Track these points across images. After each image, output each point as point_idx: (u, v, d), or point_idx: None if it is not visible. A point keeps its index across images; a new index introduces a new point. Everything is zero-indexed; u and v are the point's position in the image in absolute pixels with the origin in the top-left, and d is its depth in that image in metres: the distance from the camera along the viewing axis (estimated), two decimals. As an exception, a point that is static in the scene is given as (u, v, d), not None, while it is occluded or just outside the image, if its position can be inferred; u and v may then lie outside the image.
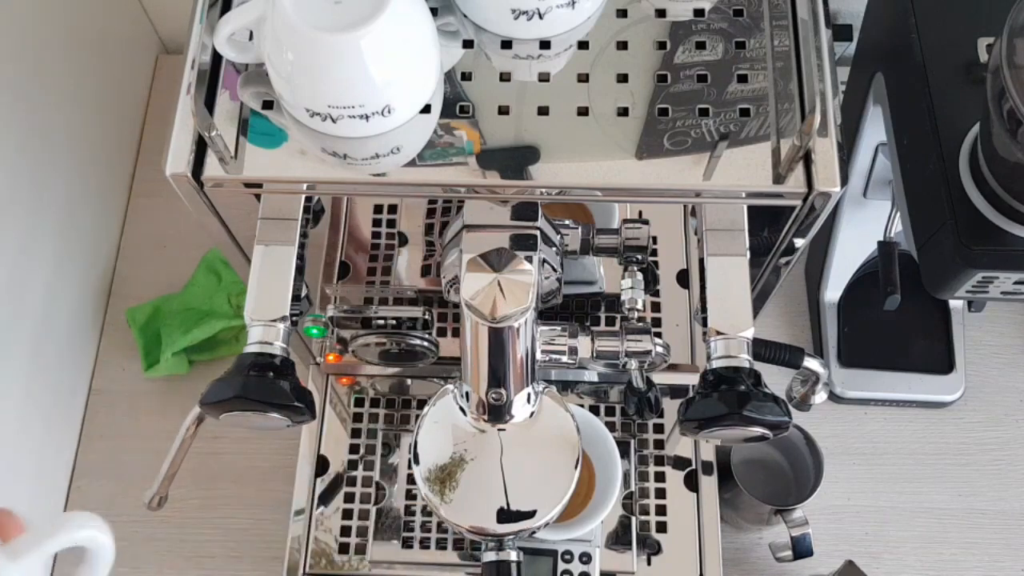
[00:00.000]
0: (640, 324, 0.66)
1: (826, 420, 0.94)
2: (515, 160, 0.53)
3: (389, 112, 0.52)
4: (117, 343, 0.99)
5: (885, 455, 0.94)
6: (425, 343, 0.76)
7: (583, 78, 0.55)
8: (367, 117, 0.51)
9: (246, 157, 0.53)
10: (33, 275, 0.88)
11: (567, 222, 0.67)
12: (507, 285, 0.58)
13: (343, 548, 0.83)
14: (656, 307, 0.88)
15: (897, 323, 0.93)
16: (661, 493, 0.84)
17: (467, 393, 0.61)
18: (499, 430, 0.62)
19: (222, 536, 0.91)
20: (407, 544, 0.82)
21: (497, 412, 0.61)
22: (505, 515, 0.60)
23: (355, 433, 0.87)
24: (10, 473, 0.84)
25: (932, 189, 0.62)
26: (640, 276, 0.68)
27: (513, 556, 0.62)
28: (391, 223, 0.90)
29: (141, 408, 0.96)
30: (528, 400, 0.61)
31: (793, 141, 0.51)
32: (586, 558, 0.79)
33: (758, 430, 0.55)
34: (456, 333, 0.83)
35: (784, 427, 0.55)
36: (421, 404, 0.81)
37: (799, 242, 0.59)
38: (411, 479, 0.78)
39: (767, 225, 0.61)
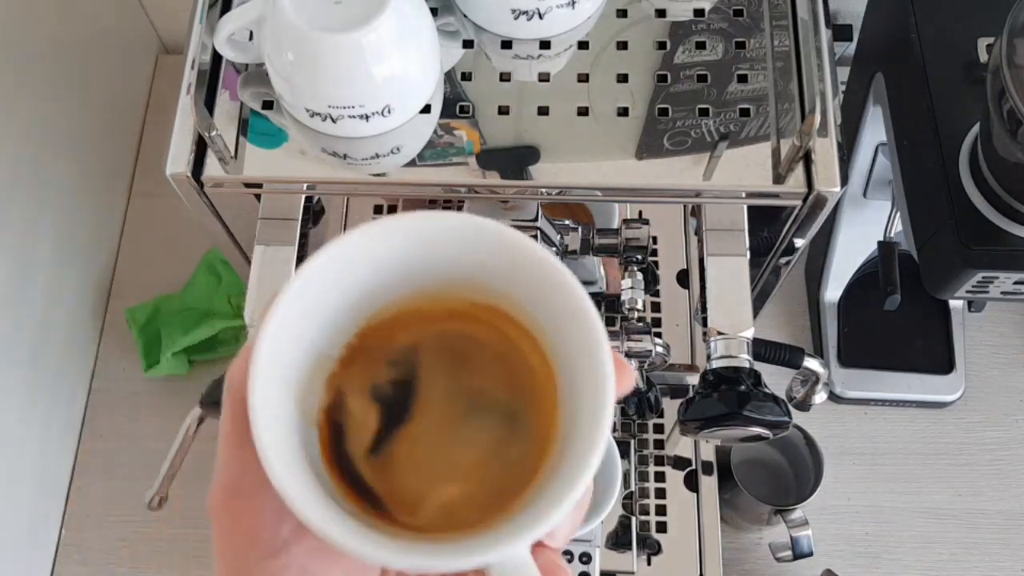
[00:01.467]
0: (640, 324, 0.66)
1: (826, 420, 0.94)
2: (515, 160, 0.53)
3: (389, 112, 0.52)
4: (117, 343, 0.99)
5: (885, 455, 0.94)
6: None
7: (583, 78, 0.55)
8: (367, 117, 0.51)
9: (246, 157, 0.53)
10: (33, 275, 0.88)
11: (567, 222, 0.67)
12: (507, 285, 0.58)
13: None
14: (656, 307, 0.88)
15: (897, 323, 0.93)
16: (661, 493, 0.84)
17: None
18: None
19: (222, 536, 0.91)
20: (407, 544, 0.82)
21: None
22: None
23: (355, 433, 0.87)
24: (10, 473, 0.84)
25: (932, 189, 0.62)
26: (640, 276, 0.68)
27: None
28: (391, 223, 0.89)
29: (141, 408, 0.96)
30: (528, 400, 0.61)
31: (793, 141, 0.51)
32: (586, 558, 0.79)
33: (758, 430, 0.55)
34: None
35: (784, 427, 0.55)
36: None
37: (799, 242, 0.59)
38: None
39: (767, 225, 0.61)
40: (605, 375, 0.27)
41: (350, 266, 0.29)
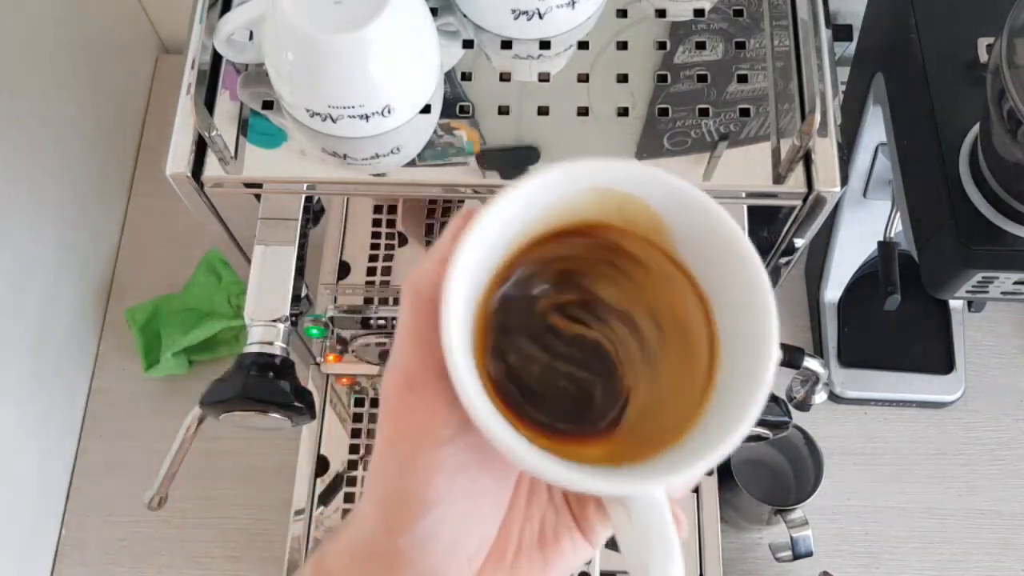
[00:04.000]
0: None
1: (826, 420, 0.94)
2: (515, 160, 0.53)
3: (389, 112, 0.52)
4: (117, 343, 0.99)
5: (885, 455, 0.94)
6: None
7: (583, 78, 0.55)
8: (367, 117, 0.51)
9: (246, 157, 0.53)
10: (33, 275, 0.88)
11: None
12: (507, 285, 0.58)
13: (343, 548, 0.83)
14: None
15: (897, 323, 0.93)
16: (661, 493, 0.84)
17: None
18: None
19: (222, 536, 0.91)
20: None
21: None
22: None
23: (355, 433, 0.87)
24: (10, 473, 0.84)
25: (932, 189, 0.62)
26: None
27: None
28: (391, 223, 0.90)
29: (141, 408, 0.96)
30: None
31: (793, 141, 0.51)
32: (586, 558, 0.78)
33: (758, 430, 0.55)
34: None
35: (784, 427, 0.55)
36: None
37: (799, 242, 0.59)
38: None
39: (767, 225, 0.61)
40: (771, 333, 0.28)
41: (540, 199, 0.30)
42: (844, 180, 0.52)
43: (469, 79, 0.55)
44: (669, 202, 0.31)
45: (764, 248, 0.62)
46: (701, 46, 0.56)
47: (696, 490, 0.84)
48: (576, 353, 0.32)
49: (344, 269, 0.88)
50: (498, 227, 0.30)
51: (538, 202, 0.31)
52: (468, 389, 0.27)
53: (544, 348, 0.32)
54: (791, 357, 0.65)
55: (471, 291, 0.30)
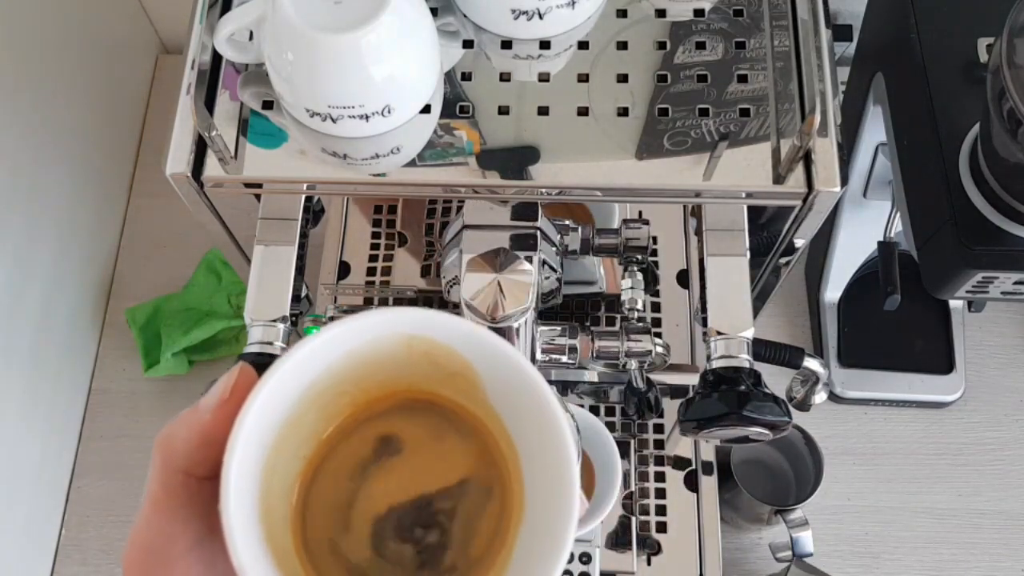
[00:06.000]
0: (640, 324, 0.66)
1: (826, 420, 0.94)
2: (515, 160, 0.53)
3: (389, 112, 0.52)
4: (117, 343, 0.99)
5: (885, 455, 0.94)
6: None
7: (583, 78, 0.55)
8: (367, 117, 0.51)
9: (246, 157, 0.53)
10: (33, 275, 0.88)
11: (567, 222, 0.67)
12: (507, 285, 0.58)
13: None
14: (656, 307, 0.88)
15: (897, 323, 0.93)
16: (661, 493, 0.84)
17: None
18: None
19: (222, 536, 0.91)
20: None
21: (497, 412, 0.61)
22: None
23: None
24: (10, 473, 0.84)
25: (932, 189, 0.62)
26: (640, 276, 0.68)
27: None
28: (391, 223, 0.90)
29: (141, 408, 0.96)
30: (528, 400, 0.61)
31: (793, 141, 0.51)
32: (586, 558, 0.78)
33: (758, 430, 0.55)
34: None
35: (784, 427, 0.55)
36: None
37: (799, 242, 0.59)
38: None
39: (767, 225, 0.61)
40: (571, 491, 0.27)
41: (327, 357, 0.29)
42: (844, 180, 0.51)
43: (469, 79, 0.55)
44: (473, 349, 0.30)
45: (764, 248, 0.62)
46: (701, 46, 0.56)
47: (696, 490, 0.84)
48: (393, 526, 0.31)
49: (344, 269, 0.88)
50: (283, 393, 0.28)
51: (332, 356, 0.29)
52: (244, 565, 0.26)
53: (357, 517, 0.31)
54: (791, 357, 0.65)
55: (255, 463, 0.29)
